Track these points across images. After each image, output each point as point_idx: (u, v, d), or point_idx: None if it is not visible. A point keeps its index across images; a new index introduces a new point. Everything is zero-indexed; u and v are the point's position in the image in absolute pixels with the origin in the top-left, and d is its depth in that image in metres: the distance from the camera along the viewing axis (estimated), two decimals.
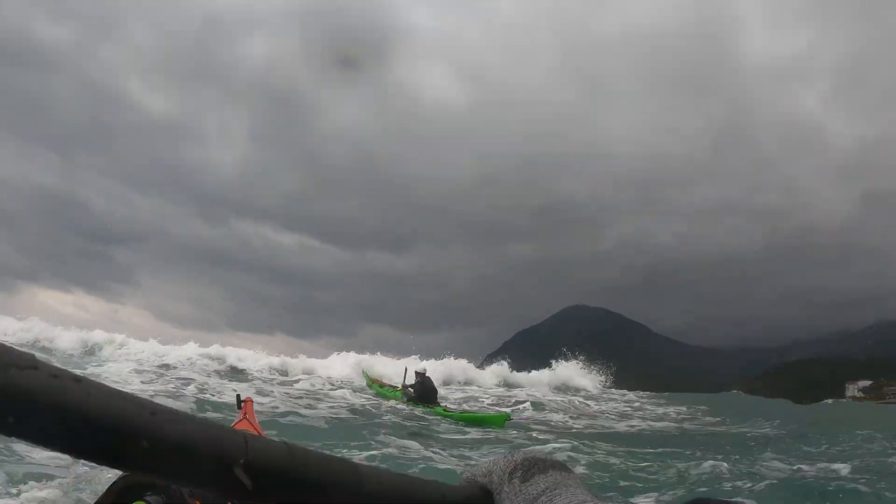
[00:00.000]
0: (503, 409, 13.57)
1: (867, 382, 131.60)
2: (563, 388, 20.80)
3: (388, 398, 15.77)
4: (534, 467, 0.93)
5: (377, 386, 17.43)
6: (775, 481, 6.94)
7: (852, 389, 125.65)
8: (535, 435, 10.51)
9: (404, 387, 15.68)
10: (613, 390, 23.06)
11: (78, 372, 0.96)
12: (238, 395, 4.08)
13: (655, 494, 6.50)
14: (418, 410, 13.88)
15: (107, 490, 1.46)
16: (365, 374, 19.52)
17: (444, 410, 13.73)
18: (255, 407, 4.07)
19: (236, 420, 3.70)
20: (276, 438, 1.03)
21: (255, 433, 3.14)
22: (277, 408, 10.85)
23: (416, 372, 15.54)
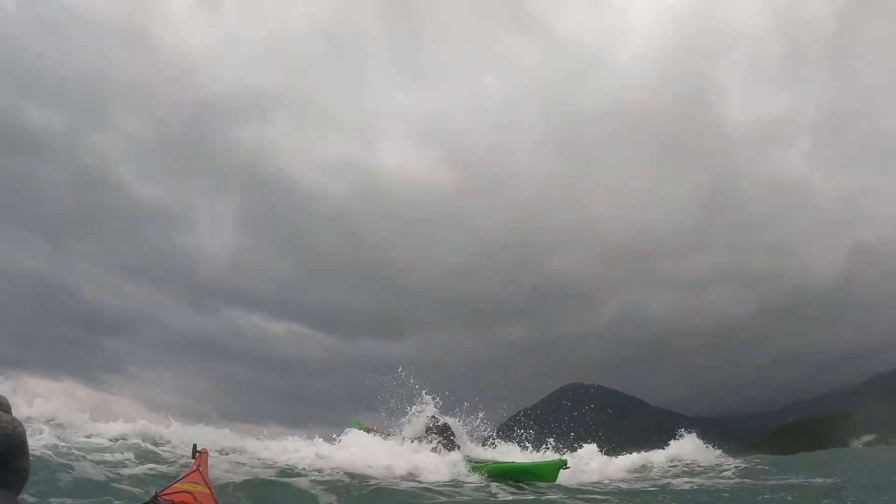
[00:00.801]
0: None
1: (870, 437, 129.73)
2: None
3: None
4: None
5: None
6: None
7: (856, 445, 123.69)
8: None
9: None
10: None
11: None
12: (195, 445, 3.98)
13: None
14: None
15: None
16: (354, 422, 15.71)
17: (469, 461, 11.01)
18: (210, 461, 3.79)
19: (189, 470, 3.59)
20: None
21: (204, 485, 2.78)
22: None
23: (428, 417, 12.34)
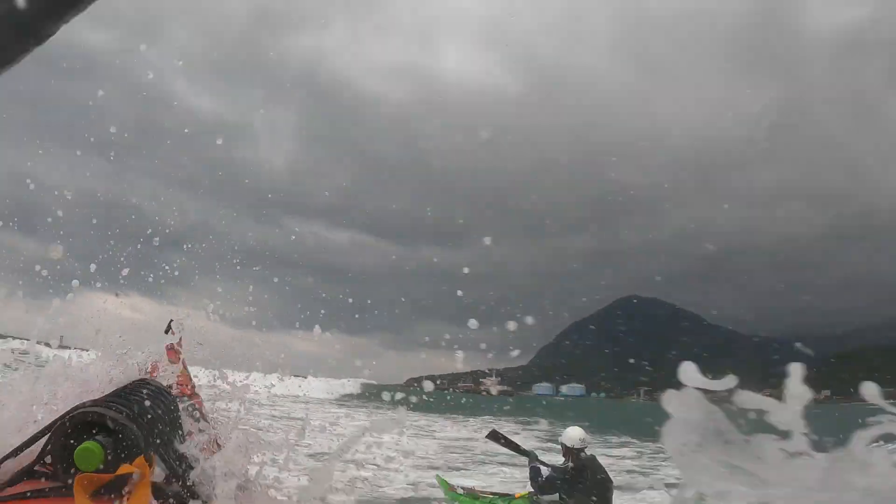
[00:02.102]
0: None
1: None
2: None
3: None
4: None
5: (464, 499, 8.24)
6: None
7: None
8: None
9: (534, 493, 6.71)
10: None
11: None
12: (171, 321, 3.25)
13: None
14: None
15: (57, 426, 1.35)
16: (439, 479, 9.60)
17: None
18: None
19: (168, 350, 3.07)
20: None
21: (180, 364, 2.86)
22: None
23: (565, 446, 6.46)
